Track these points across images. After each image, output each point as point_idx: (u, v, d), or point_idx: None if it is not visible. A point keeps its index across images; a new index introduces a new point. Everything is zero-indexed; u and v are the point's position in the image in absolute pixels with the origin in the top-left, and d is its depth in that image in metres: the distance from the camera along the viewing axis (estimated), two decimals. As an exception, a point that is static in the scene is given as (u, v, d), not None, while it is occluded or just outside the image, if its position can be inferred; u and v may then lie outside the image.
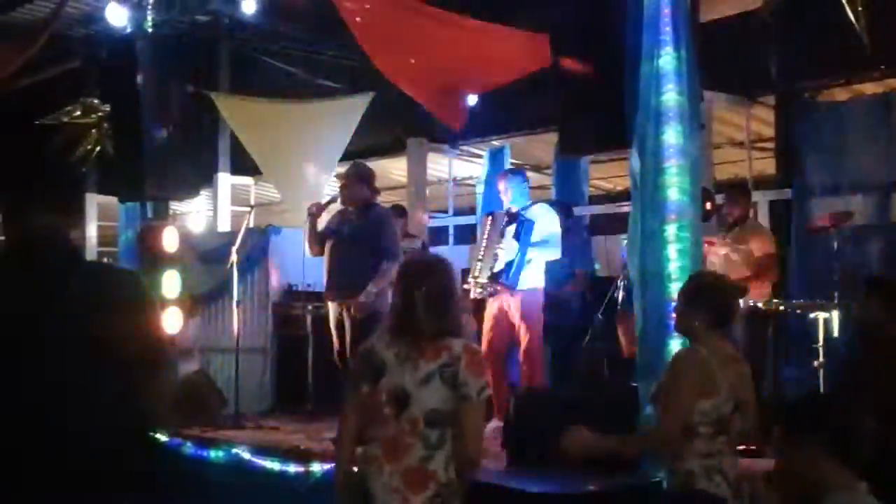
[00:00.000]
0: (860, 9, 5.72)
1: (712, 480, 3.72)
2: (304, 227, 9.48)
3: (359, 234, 6.78)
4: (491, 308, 7.01)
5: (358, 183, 6.98)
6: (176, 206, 12.46)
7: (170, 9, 8.59)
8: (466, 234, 10.99)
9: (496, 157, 10.39)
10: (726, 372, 3.79)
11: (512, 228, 6.91)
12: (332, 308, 6.86)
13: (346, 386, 3.72)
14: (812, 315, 6.39)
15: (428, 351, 3.50)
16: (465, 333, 3.75)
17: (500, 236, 6.96)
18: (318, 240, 6.92)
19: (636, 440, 3.98)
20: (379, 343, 3.62)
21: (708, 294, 3.94)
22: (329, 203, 7.21)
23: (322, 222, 7.02)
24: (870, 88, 8.16)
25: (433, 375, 3.46)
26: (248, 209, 9.16)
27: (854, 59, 6.86)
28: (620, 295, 7.03)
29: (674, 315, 4.13)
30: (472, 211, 11.25)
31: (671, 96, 5.21)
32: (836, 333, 6.27)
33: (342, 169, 11.39)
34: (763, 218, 8.15)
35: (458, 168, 11.87)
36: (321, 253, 6.94)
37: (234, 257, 7.95)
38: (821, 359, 6.24)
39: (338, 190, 7.23)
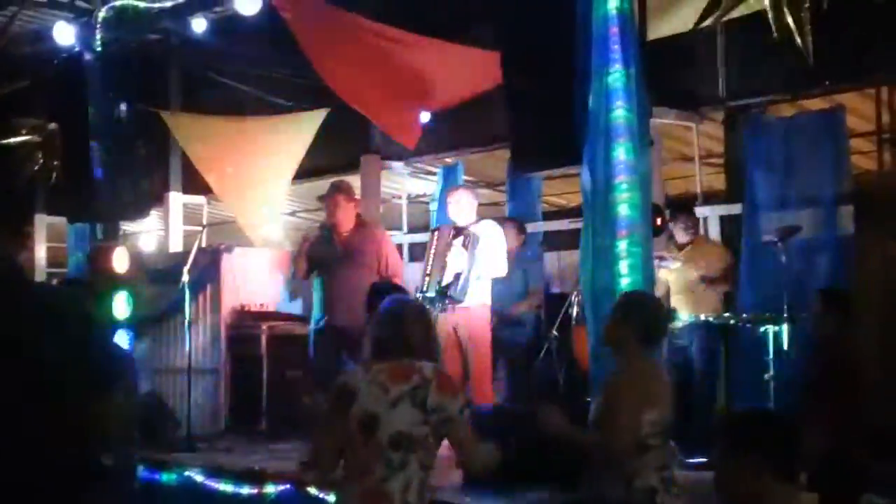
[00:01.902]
0: (805, 27, 5.81)
1: (670, 492, 3.77)
2: (258, 247, 9.48)
3: (359, 254, 6.91)
4: (442, 326, 7.00)
5: (347, 202, 7.10)
6: (126, 227, 12.35)
7: (119, 27, 8.50)
8: (421, 252, 10.99)
9: (450, 173, 10.41)
10: (660, 383, 3.88)
11: (459, 242, 6.93)
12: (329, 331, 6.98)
13: (321, 420, 3.73)
14: (762, 328, 6.48)
15: (398, 374, 3.52)
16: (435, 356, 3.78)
17: (445, 250, 6.98)
18: (307, 263, 7.14)
19: (595, 443, 4.00)
20: (351, 376, 3.66)
21: (639, 310, 4.03)
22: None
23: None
24: (816, 104, 8.29)
25: (403, 398, 3.46)
26: (201, 228, 9.09)
27: (800, 75, 6.97)
28: (575, 310, 7.07)
29: (605, 329, 4.19)
30: (425, 228, 11.25)
31: (620, 113, 5.27)
32: (785, 346, 6.35)
33: (296, 187, 11.44)
34: (713, 232, 8.24)
35: (412, 185, 11.87)
36: (307, 276, 6.96)
37: (186, 277, 7.89)
38: (771, 371, 6.31)
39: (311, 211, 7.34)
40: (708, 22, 7.08)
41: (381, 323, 3.72)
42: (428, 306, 7.09)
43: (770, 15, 5.93)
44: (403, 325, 3.65)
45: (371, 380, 3.54)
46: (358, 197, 7.24)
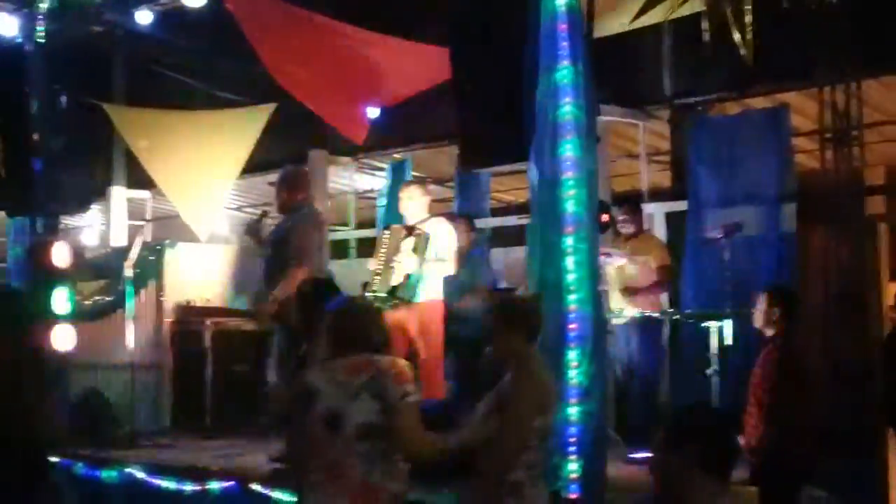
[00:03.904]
0: (746, 26, 5.87)
1: (536, 487, 3.92)
2: (203, 242, 9.39)
3: (276, 240, 6.76)
4: (391, 326, 6.97)
5: (281, 188, 6.97)
6: (68, 221, 12.17)
7: (63, 18, 8.36)
8: (368, 248, 10.96)
9: (398, 169, 10.39)
10: (551, 389, 4.04)
11: (410, 242, 6.90)
12: None
13: (285, 419, 3.76)
14: (705, 324, 6.54)
15: (355, 368, 3.58)
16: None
17: (397, 249, 6.95)
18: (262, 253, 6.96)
19: (483, 477, 4.02)
20: (310, 374, 3.71)
21: (516, 313, 4.11)
22: (262, 217, 7.16)
23: None
24: (760, 103, 8.40)
25: (362, 390, 3.52)
26: (144, 223, 8.98)
27: (745, 74, 7.05)
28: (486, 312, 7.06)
29: (493, 345, 4.21)
30: (373, 224, 11.23)
31: (568, 110, 5.27)
32: (728, 342, 6.42)
33: (243, 182, 11.36)
34: (659, 229, 8.31)
35: (360, 181, 11.84)
36: None
37: (128, 272, 7.79)
38: (714, 367, 6.38)
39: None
40: (654, 20, 7.17)
41: (337, 321, 3.76)
42: (378, 305, 7.09)
43: (707, 14, 5.99)
44: (358, 323, 3.73)
45: (329, 378, 3.59)
46: (296, 183, 7.02)
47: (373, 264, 7.12)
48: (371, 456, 3.50)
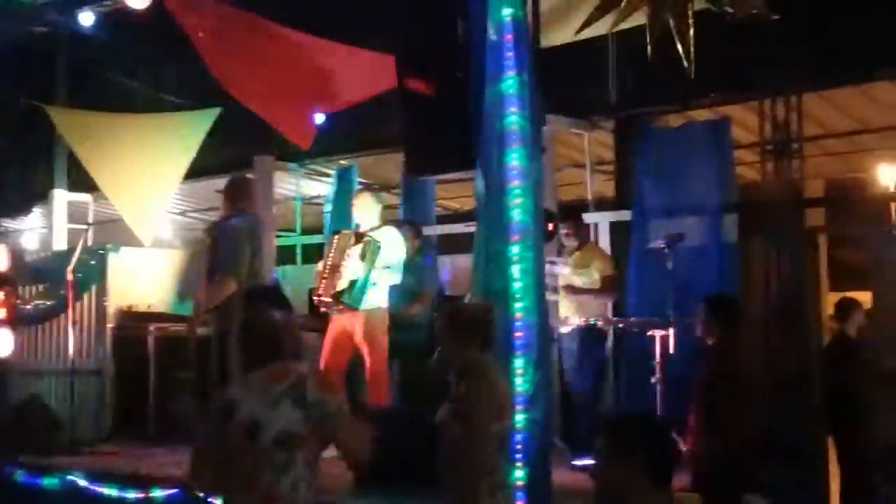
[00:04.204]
0: (691, 40, 5.97)
1: (495, 497, 3.92)
2: (147, 246, 9.29)
3: (209, 251, 6.74)
4: (333, 327, 6.96)
5: (223, 198, 7.00)
6: (8, 224, 11.98)
7: (3, 18, 8.24)
8: (314, 254, 10.92)
9: (344, 176, 10.38)
10: (507, 394, 4.13)
11: (358, 248, 6.90)
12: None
13: (199, 431, 3.67)
14: (649, 333, 6.62)
15: (276, 375, 3.50)
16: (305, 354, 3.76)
17: (344, 255, 6.95)
18: None
19: (469, 495, 4.02)
20: (230, 390, 3.64)
21: (468, 321, 4.18)
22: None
23: None
24: (703, 115, 8.52)
25: (283, 397, 3.45)
26: (86, 227, 8.87)
27: (687, 86, 7.16)
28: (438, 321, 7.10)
29: (444, 353, 4.27)
30: (320, 230, 11.20)
31: (514, 119, 5.30)
32: (671, 350, 6.50)
33: (187, 186, 11.26)
34: (603, 238, 8.38)
35: (306, 186, 11.79)
36: None
37: (70, 276, 7.69)
38: (657, 375, 6.46)
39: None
40: (600, 31, 7.25)
41: (250, 332, 3.71)
42: (323, 310, 7.08)
43: (650, 27, 6.08)
44: (272, 333, 3.65)
45: (248, 387, 3.54)
46: (234, 193, 7.05)
47: (319, 268, 7.12)
48: (284, 465, 3.42)
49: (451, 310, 4.38)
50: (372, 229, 7.05)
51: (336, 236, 7.24)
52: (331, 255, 7.06)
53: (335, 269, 6.94)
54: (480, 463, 3.89)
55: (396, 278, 7.03)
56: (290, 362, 3.57)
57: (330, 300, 6.89)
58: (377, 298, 6.92)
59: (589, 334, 7.09)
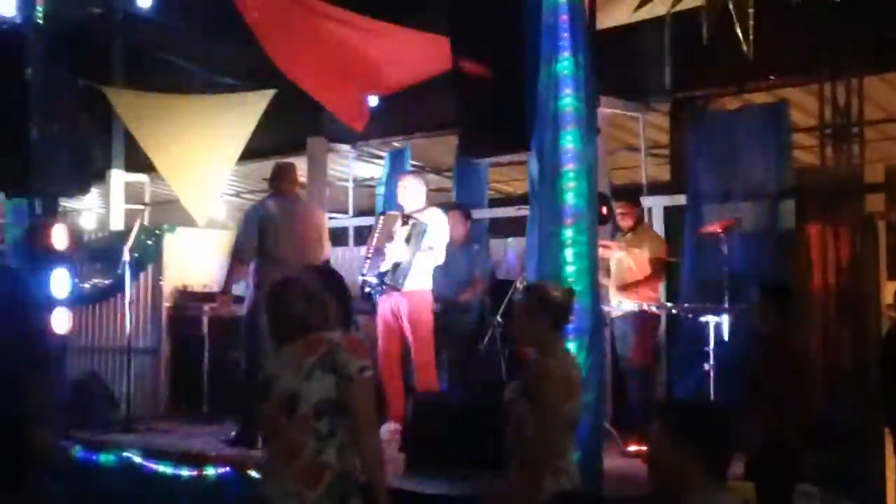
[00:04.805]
0: (750, 21, 5.86)
1: (558, 481, 3.89)
2: (201, 227, 9.38)
3: None
4: (382, 310, 6.98)
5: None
6: (67, 203, 12.16)
7: (62, 1, 8.32)
8: (366, 235, 10.96)
9: (397, 158, 10.37)
10: (576, 374, 4.09)
11: (404, 230, 6.91)
12: None
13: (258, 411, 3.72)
14: (703, 318, 6.55)
15: (307, 348, 3.55)
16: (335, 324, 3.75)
17: (389, 236, 6.96)
18: None
19: (532, 474, 4.01)
20: (268, 366, 3.69)
21: (547, 301, 4.13)
22: None
23: None
24: (760, 98, 8.39)
25: (315, 368, 3.49)
26: (143, 207, 8.97)
27: (744, 69, 7.04)
28: (518, 297, 7.08)
29: (518, 332, 4.27)
30: (371, 212, 11.22)
31: (569, 101, 5.27)
32: (725, 337, 6.43)
33: (241, 167, 11.34)
34: (658, 223, 8.30)
35: (359, 169, 11.82)
36: None
37: (126, 256, 7.79)
38: (711, 361, 6.40)
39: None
40: (656, 12, 7.15)
41: (275, 306, 3.74)
42: (368, 290, 7.11)
43: (707, 8, 5.98)
44: (296, 304, 3.66)
45: (283, 362, 3.58)
46: (275, 177, 7.26)
47: (364, 249, 7.16)
48: (326, 434, 3.46)
49: (533, 289, 4.34)
50: (417, 211, 7.05)
51: (382, 217, 7.27)
52: (376, 236, 7.09)
53: (379, 251, 6.97)
54: (547, 443, 3.87)
55: (439, 260, 7.02)
56: (323, 333, 3.60)
57: (374, 280, 6.91)
58: (421, 280, 6.93)
59: (642, 319, 7.04)
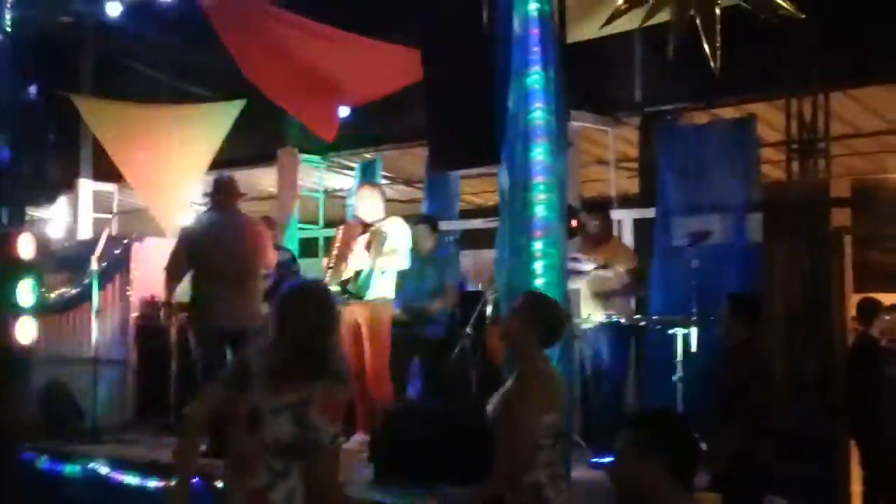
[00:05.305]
0: (717, 37, 5.93)
1: (558, 487, 3.90)
2: (170, 237, 9.33)
3: None
4: (346, 321, 6.95)
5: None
6: (34, 212, 12.04)
7: (30, 8, 8.28)
8: (335, 246, 10.94)
9: (367, 169, 10.38)
10: (559, 387, 4.04)
11: (364, 239, 6.93)
12: None
13: (217, 379, 3.59)
14: (671, 330, 6.60)
15: (290, 383, 3.39)
16: (336, 366, 3.55)
17: (349, 246, 6.98)
18: None
19: (495, 480, 4.00)
20: (255, 356, 3.53)
21: (543, 312, 4.09)
22: None
23: None
24: (728, 112, 8.47)
25: (286, 409, 3.36)
26: (111, 216, 8.92)
27: (712, 84, 7.12)
28: (489, 309, 7.11)
29: (505, 331, 4.24)
30: (342, 223, 11.20)
31: (539, 115, 5.30)
32: (694, 349, 6.47)
33: (211, 177, 11.28)
34: (627, 236, 8.36)
35: (329, 180, 11.81)
36: None
37: (94, 266, 7.74)
38: (679, 373, 6.44)
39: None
40: (626, 27, 7.20)
41: (286, 305, 3.55)
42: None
43: (674, 23, 6.04)
44: (305, 312, 3.49)
45: (266, 371, 3.43)
46: (216, 191, 7.29)
47: (326, 259, 7.16)
48: (280, 471, 3.35)
49: (533, 298, 4.32)
50: (377, 221, 7.07)
51: (342, 227, 7.30)
52: (336, 245, 7.11)
53: (340, 259, 6.98)
54: (517, 456, 3.85)
55: (404, 264, 7.03)
56: (314, 377, 3.41)
57: (337, 289, 6.91)
58: (383, 288, 6.94)
59: (611, 331, 7.07)
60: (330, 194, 11.89)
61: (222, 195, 7.17)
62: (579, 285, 7.07)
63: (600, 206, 7.77)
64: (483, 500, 3.99)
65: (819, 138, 7.47)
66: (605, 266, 7.14)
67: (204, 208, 7.48)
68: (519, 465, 3.86)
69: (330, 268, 7.04)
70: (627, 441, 2.75)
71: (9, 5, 8.07)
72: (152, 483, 6.22)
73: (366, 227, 7.03)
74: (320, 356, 3.46)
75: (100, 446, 7.21)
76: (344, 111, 9.35)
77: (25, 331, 7.33)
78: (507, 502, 3.92)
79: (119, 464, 6.56)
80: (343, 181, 11.80)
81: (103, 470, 6.56)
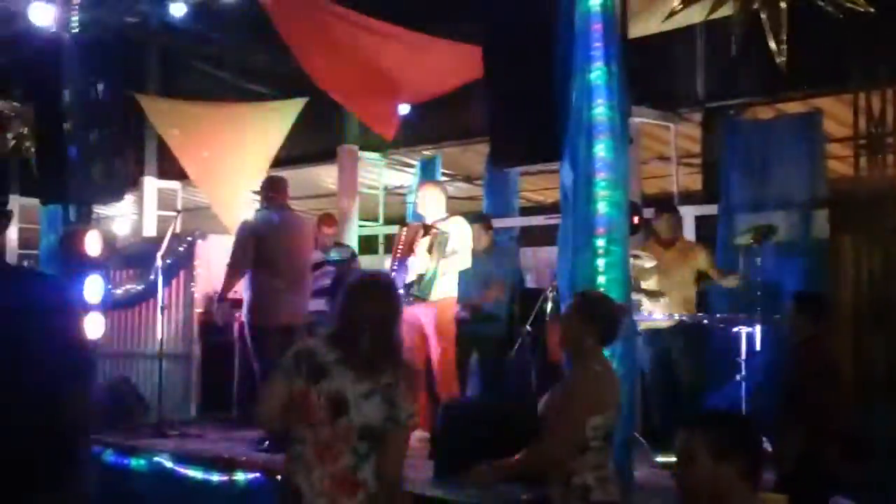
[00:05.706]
0: (780, 29, 5.84)
1: (605, 490, 3.87)
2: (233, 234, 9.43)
3: None
4: (410, 319, 6.96)
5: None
6: (100, 210, 12.27)
7: (97, 9, 8.41)
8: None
9: (428, 166, 10.39)
10: (614, 386, 3.97)
11: (426, 241, 6.92)
12: None
13: (277, 373, 3.58)
14: (734, 329, 6.52)
15: (373, 367, 3.47)
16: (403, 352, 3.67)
17: (411, 248, 6.98)
18: None
19: (532, 459, 4.00)
20: (319, 347, 3.54)
21: (600, 312, 4.07)
22: None
23: None
24: (793, 107, 8.34)
25: (375, 392, 3.43)
26: (176, 214, 9.04)
27: (778, 78, 7.02)
28: (549, 306, 7.08)
29: (562, 332, 4.21)
30: (402, 220, 11.24)
31: (602, 111, 5.27)
32: (758, 347, 6.39)
33: (272, 174, 11.38)
34: (689, 232, 8.27)
35: (390, 177, 11.85)
36: None
37: (159, 262, 7.86)
38: (743, 372, 6.35)
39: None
40: (688, 21, 7.13)
41: (353, 296, 3.59)
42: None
43: (738, 18, 5.96)
44: (375, 300, 3.55)
45: (342, 360, 3.46)
46: (266, 190, 7.53)
47: (388, 262, 7.19)
48: (364, 454, 3.43)
49: (587, 297, 4.30)
50: (438, 220, 7.06)
51: (403, 228, 7.29)
52: (399, 248, 7.09)
53: (402, 262, 6.99)
54: (575, 456, 3.84)
55: (464, 263, 7.02)
56: (389, 358, 3.50)
57: (401, 292, 6.91)
58: (446, 288, 6.96)
59: (674, 329, 7.00)
60: (390, 191, 11.93)
61: (280, 193, 7.29)
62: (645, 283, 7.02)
63: (667, 206, 7.70)
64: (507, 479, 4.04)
65: (887, 133, 7.32)
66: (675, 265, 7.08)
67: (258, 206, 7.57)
68: (555, 464, 3.86)
69: (393, 270, 7.04)
70: (698, 442, 2.71)
71: (76, 7, 8.22)
72: (216, 477, 6.30)
73: (427, 227, 7.03)
74: (395, 342, 3.56)
75: (164, 440, 7.31)
76: (403, 108, 9.37)
77: (93, 326, 7.48)
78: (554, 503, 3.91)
79: (183, 458, 6.65)
80: (403, 178, 11.83)
81: (168, 464, 6.66)
